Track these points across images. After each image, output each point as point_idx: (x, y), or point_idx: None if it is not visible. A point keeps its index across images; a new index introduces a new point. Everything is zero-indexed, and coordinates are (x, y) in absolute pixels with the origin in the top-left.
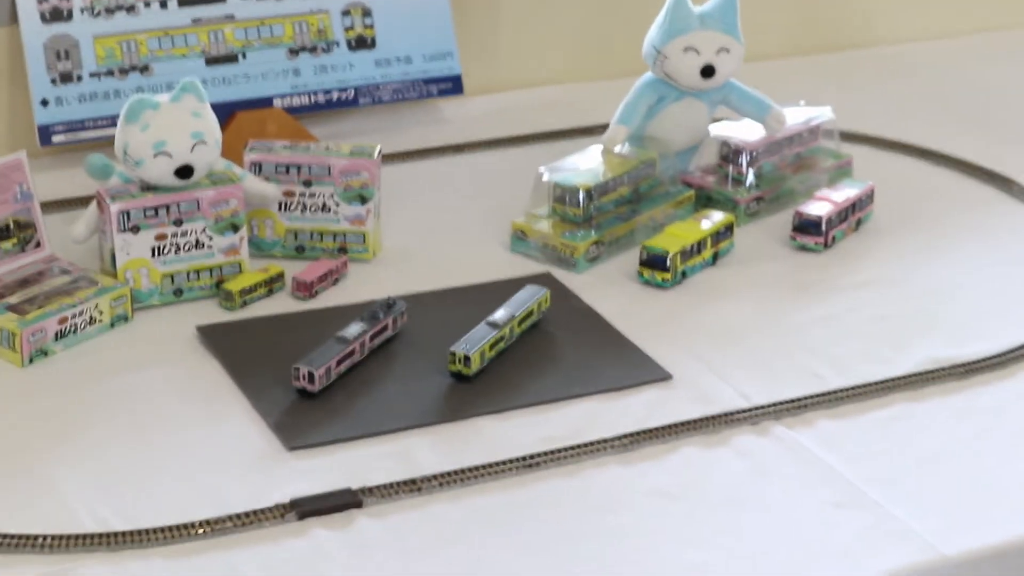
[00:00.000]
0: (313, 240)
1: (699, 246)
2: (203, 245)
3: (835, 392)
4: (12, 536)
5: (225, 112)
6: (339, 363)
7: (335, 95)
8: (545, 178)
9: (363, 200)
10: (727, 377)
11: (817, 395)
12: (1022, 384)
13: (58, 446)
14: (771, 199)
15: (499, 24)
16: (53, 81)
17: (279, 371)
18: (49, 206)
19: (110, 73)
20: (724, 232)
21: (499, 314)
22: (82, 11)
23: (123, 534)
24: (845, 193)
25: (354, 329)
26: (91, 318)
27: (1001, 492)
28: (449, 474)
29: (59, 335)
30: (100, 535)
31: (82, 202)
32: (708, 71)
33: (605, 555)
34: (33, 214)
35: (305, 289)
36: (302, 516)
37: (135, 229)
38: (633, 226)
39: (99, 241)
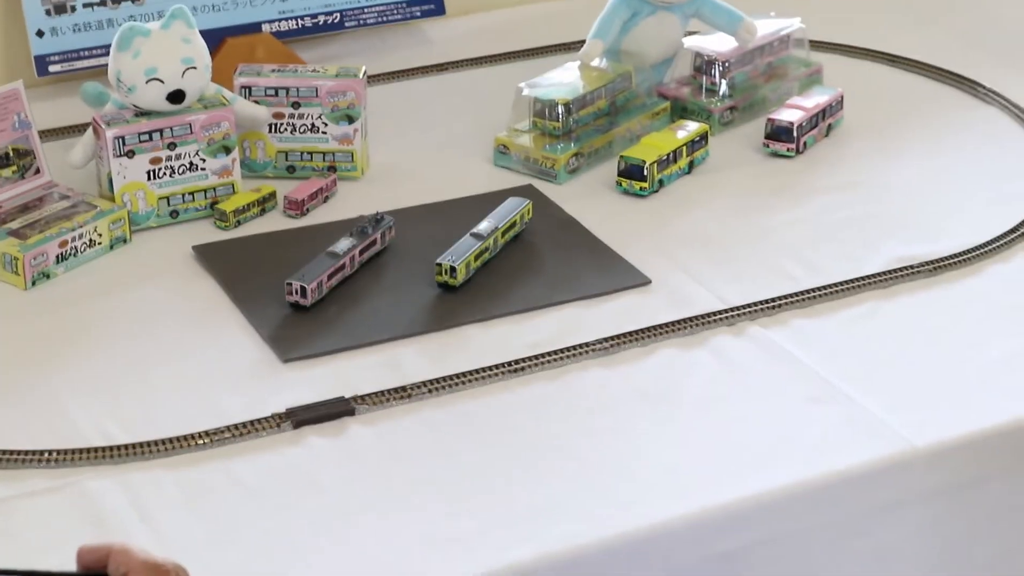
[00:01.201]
0: (303, 160)
1: (675, 155)
2: (197, 167)
3: (808, 292)
4: (18, 452)
5: (215, 38)
6: (330, 277)
7: (321, 19)
8: (525, 93)
9: (350, 120)
10: (703, 280)
11: (791, 295)
12: (988, 280)
13: (62, 364)
14: (744, 108)
15: None
16: (48, 12)
17: (272, 287)
18: (47, 134)
19: (103, 3)
20: (699, 141)
21: (483, 226)
22: None
23: (126, 447)
24: (815, 100)
25: (344, 244)
26: (90, 241)
27: (969, 385)
28: (437, 381)
29: (60, 258)
30: (104, 448)
31: (79, 129)
32: None
33: (588, 454)
34: (32, 142)
35: (296, 207)
36: (297, 425)
37: (130, 154)
38: (611, 138)
39: (96, 166)
